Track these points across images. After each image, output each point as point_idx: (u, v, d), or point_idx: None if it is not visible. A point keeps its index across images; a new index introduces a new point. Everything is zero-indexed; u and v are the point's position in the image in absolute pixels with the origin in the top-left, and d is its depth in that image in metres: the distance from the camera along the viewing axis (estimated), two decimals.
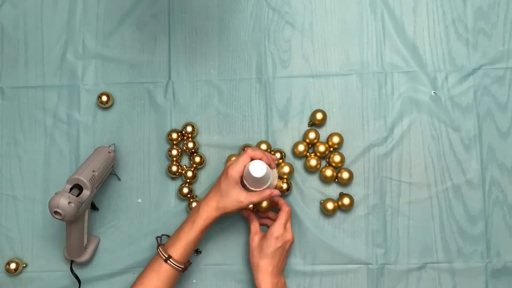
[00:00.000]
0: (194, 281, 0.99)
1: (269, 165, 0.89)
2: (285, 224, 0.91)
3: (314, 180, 1.00)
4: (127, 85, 1.04)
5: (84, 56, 1.04)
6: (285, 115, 1.02)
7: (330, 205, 0.97)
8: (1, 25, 1.05)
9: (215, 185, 0.90)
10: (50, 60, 1.04)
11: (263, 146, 0.99)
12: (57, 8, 1.05)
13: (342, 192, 0.99)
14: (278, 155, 0.99)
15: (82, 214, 0.90)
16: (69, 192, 0.87)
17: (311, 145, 1.00)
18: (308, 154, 1.00)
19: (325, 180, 0.99)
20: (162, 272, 0.87)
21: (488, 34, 1.01)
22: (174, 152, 1.00)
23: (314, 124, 1.01)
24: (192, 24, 1.04)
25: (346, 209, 0.98)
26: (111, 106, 1.03)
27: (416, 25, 1.02)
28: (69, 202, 0.85)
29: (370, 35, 1.02)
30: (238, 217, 1.00)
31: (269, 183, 0.89)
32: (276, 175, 0.96)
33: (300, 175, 1.00)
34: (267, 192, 0.88)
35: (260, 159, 0.87)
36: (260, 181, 0.87)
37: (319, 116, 0.99)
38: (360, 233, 0.98)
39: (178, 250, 0.87)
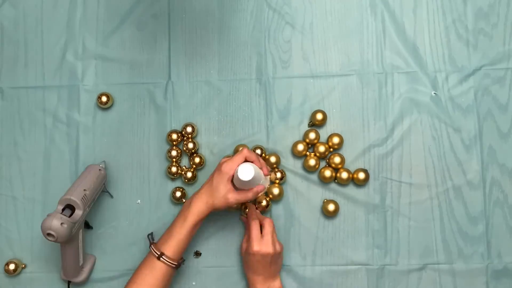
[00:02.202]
0: (194, 283, 0.99)
1: (262, 170, 0.90)
2: (253, 238, 0.90)
3: (313, 180, 1.00)
4: (127, 86, 1.03)
5: (84, 57, 1.04)
6: (285, 116, 1.01)
7: (331, 207, 0.97)
8: (1, 26, 1.05)
9: (208, 181, 0.91)
10: (50, 60, 1.04)
11: (258, 151, 0.99)
12: (57, 9, 1.05)
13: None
14: (273, 159, 0.99)
15: (76, 234, 0.89)
16: (61, 213, 0.86)
17: (311, 145, 1.00)
18: (307, 153, 1.00)
19: (324, 181, 0.99)
20: (155, 270, 0.87)
21: (488, 34, 1.01)
22: (174, 153, 1.00)
23: (314, 124, 1.01)
24: (192, 24, 1.04)
25: (361, 183, 0.98)
26: (111, 107, 1.03)
27: (416, 26, 1.02)
28: (61, 223, 0.84)
29: (370, 36, 1.02)
30: (237, 218, 1.00)
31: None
32: (269, 181, 0.97)
33: (299, 175, 1.00)
34: (251, 193, 0.89)
35: (253, 162, 0.88)
36: (247, 185, 0.87)
37: (319, 116, 0.99)
38: (360, 234, 0.98)
39: (170, 247, 0.88)
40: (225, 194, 0.88)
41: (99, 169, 0.96)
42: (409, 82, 1.01)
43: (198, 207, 0.88)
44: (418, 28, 1.01)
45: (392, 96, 1.00)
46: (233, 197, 0.88)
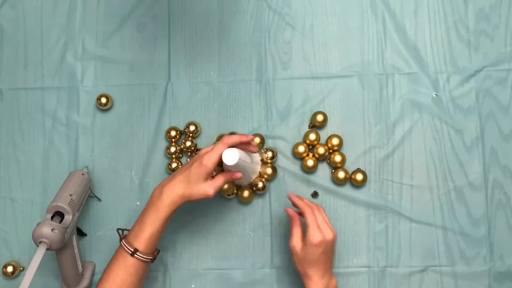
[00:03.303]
0: (193, 286, 0.98)
1: (249, 149, 0.88)
2: (319, 226, 0.86)
3: (314, 181, 0.99)
4: (126, 87, 1.03)
5: (84, 58, 1.04)
6: (286, 117, 1.01)
7: (341, 174, 0.97)
8: (0, 27, 1.05)
9: (183, 171, 0.86)
10: (49, 61, 1.04)
11: (257, 139, 0.99)
12: (57, 10, 1.05)
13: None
14: (257, 139, 0.98)
15: (69, 240, 0.88)
16: (50, 220, 0.85)
17: (312, 147, 0.99)
18: (305, 155, 0.99)
19: (308, 170, 0.99)
20: (129, 266, 0.83)
21: (490, 35, 1.00)
22: (173, 149, 0.99)
23: (315, 126, 1.00)
24: (192, 25, 1.04)
25: (359, 185, 0.97)
26: (110, 108, 1.03)
27: (417, 27, 1.01)
28: (52, 229, 0.83)
29: (371, 37, 1.01)
30: (237, 220, 0.99)
31: (249, 168, 0.89)
32: (259, 159, 0.96)
33: (299, 176, 0.99)
34: (225, 176, 0.87)
35: (236, 144, 0.86)
36: (234, 168, 0.86)
37: (319, 118, 0.99)
38: (362, 236, 0.97)
39: (143, 242, 0.83)
40: (205, 188, 0.84)
41: (82, 174, 0.95)
42: (410, 83, 1.00)
43: (172, 199, 0.84)
44: (419, 29, 1.01)
45: (393, 97, 1.00)
46: (213, 189, 0.85)
